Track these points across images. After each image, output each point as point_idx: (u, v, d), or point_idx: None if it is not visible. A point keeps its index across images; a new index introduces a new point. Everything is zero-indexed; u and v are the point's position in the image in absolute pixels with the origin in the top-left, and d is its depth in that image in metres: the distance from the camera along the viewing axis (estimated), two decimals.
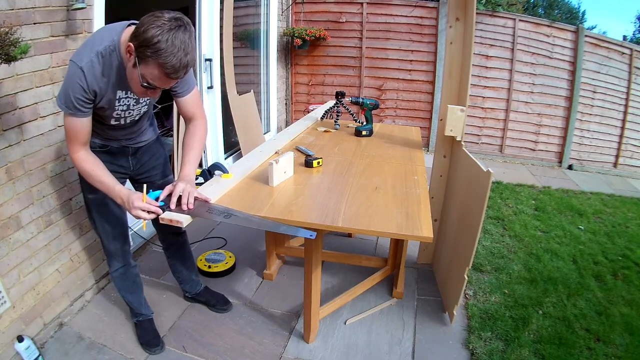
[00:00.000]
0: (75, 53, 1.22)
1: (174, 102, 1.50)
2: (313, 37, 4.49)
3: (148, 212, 1.26)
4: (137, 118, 1.46)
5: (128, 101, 1.34)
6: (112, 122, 1.38)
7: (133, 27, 1.21)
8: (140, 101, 1.39)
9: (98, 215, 1.55)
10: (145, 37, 1.07)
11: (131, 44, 1.11)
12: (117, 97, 1.30)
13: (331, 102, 3.00)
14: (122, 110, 1.36)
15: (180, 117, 2.66)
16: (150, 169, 1.65)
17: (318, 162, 1.76)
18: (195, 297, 2.02)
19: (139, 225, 2.49)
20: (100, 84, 1.22)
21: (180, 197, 1.30)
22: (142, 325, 1.80)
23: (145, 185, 1.34)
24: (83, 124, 1.25)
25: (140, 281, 1.80)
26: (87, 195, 1.53)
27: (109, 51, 1.20)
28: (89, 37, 1.26)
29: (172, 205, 1.30)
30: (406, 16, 4.54)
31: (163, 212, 1.29)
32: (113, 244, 1.61)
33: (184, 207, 1.29)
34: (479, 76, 4.56)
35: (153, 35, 1.06)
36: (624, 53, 4.49)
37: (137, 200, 1.25)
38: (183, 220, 1.26)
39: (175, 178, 1.48)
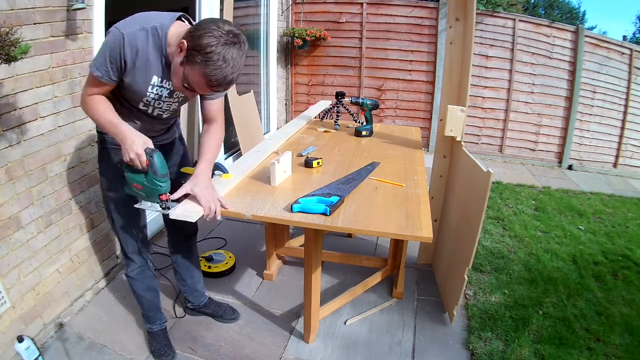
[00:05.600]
0: (119, 22, 1.18)
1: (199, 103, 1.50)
2: (313, 38, 4.49)
3: (141, 166, 1.21)
4: (165, 115, 1.43)
5: (162, 91, 1.31)
6: (140, 106, 1.34)
7: (181, 22, 1.23)
8: (174, 95, 1.36)
9: (117, 213, 1.51)
10: (200, 42, 1.07)
11: (185, 42, 1.10)
12: (152, 83, 1.27)
13: (325, 102, 3.00)
14: (152, 98, 1.32)
15: (181, 116, 2.67)
16: (170, 167, 1.62)
17: (318, 163, 1.76)
18: (198, 309, 1.95)
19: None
20: (134, 56, 1.19)
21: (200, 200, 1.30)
22: (155, 335, 1.75)
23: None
24: (105, 86, 1.23)
25: (158, 283, 1.74)
26: (106, 193, 1.49)
27: (154, 32, 1.19)
28: (137, 14, 1.22)
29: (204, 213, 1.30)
30: (406, 16, 4.54)
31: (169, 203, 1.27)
32: (131, 244, 1.57)
33: (212, 217, 1.30)
34: (479, 76, 4.56)
35: (208, 44, 1.06)
36: (623, 53, 4.49)
37: (141, 147, 1.20)
38: (194, 214, 1.27)
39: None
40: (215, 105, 1.46)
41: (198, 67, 1.10)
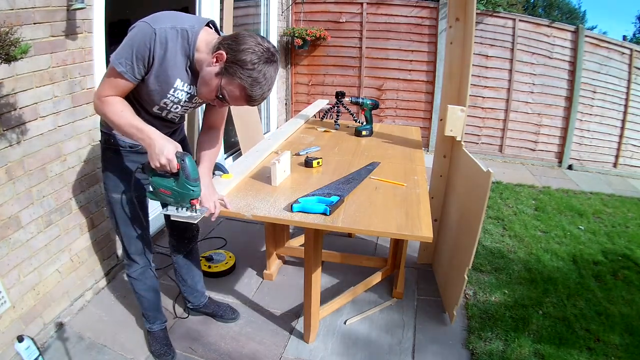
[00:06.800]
0: (148, 17, 1.14)
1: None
2: (313, 37, 4.49)
3: (172, 171, 1.16)
4: (177, 120, 1.41)
5: (183, 95, 1.28)
6: (155, 109, 1.31)
7: (209, 28, 1.22)
8: (193, 101, 1.32)
9: (121, 215, 1.49)
10: (243, 58, 1.08)
11: (223, 54, 1.10)
12: (175, 86, 1.23)
13: (322, 101, 3.02)
14: (171, 101, 1.29)
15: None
16: None
17: (318, 162, 1.76)
18: (198, 309, 1.95)
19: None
20: (163, 55, 1.15)
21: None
22: (155, 335, 1.75)
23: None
24: (125, 87, 1.18)
25: (158, 283, 1.73)
26: (111, 195, 1.47)
27: (184, 34, 1.16)
28: (163, 12, 1.18)
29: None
30: (406, 16, 4.54)
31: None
32: (134, 245, 1.55)
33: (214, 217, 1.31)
34: (479, 76, 4.56)
35: (251, 61, 1.08)
36: (624, 53, 4.49)
37: (172, 151, 1.14)
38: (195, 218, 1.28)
39: None
40: (221, 112, 1.45)
41: (239, 81, 1.10)
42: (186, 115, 1.50)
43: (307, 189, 1.52)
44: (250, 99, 1.14)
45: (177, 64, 1.19)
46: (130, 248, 1.56)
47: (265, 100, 4.68)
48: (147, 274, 1.64)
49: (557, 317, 2.04)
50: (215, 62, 1.12)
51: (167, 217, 1.67)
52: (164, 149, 1.14)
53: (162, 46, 1.14)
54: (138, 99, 1.28)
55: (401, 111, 4.89)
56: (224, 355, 1.75)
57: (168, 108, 1.31)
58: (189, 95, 1.29)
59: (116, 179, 1.44)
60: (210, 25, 1.24)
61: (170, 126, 1.45)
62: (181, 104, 1.31)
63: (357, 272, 2.28)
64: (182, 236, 1.75)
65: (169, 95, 1.26)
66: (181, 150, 1.18)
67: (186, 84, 1.25)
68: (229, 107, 3.35)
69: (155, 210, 2.40)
